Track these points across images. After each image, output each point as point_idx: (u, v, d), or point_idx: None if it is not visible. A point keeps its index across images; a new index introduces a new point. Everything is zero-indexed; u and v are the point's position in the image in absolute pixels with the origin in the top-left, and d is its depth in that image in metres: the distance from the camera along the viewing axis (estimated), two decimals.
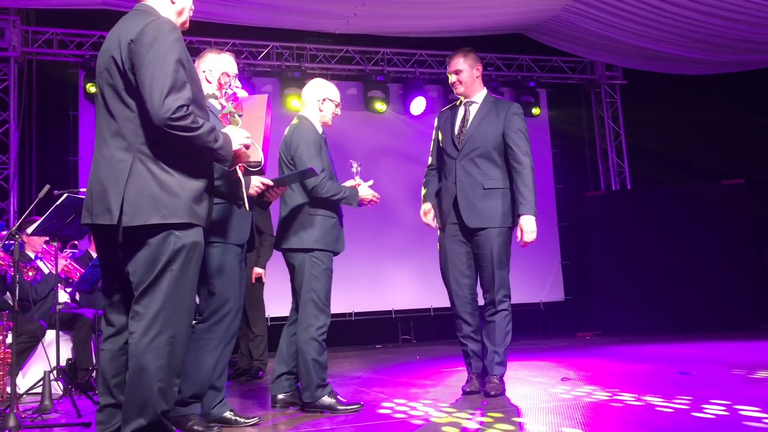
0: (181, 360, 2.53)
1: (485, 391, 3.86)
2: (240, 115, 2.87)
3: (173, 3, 2.65)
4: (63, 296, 5.63)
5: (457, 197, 3.99)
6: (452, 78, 4.12)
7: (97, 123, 2.56)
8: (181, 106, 2.38)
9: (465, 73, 4.09)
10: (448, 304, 4.15)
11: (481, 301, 4.05)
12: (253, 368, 5.78)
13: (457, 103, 4.23)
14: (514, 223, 3.99)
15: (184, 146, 2.46)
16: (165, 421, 2.46)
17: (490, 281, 3.94)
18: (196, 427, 3.18)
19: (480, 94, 4.14)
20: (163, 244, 2.43)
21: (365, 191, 3.89)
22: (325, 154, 3.78)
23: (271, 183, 3.38)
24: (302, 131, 3.75)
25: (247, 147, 2.77)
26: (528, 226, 3.91)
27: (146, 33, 2.42)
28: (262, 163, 2.95)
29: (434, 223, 4.16)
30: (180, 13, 2.69)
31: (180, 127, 2.39)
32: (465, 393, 3.95)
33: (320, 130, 3.84)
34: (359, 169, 3.88)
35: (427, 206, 4.17)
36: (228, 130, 2.70)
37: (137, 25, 2.46)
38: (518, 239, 3.95)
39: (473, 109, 4.11)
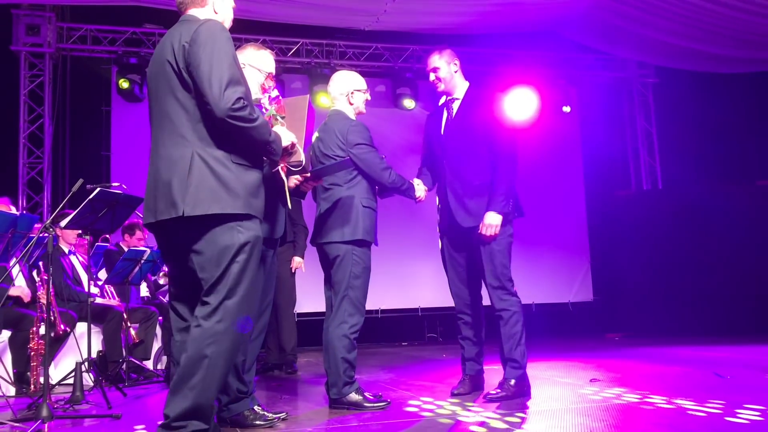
0: (239, 351, 2.59)
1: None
2: (282, 117, 2.91)
3: (216, 13, 2.76)
4: (93, 291, 5.71)
5: (448, 200, 3.95)
6: (431, 77, 4.09)
7: (154, 129, 2.65)
8: (240, 98, 2.48)
9: (442, 69, 4.04)
10: None
11: (487, 301, 3.98)
12: (287, 361, 5.81)
13: (441, 102, 4.18)
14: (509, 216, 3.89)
15: (241, 138, 2.55)
16: (209, 410, 2.50)
17: (491, 281, 3.86)
18: (257, 422, 3.19)
19: (461, 89, 4.08)
20: (229, 239, 2.52)
21: (417, 181, 4.01)
22: None
23: (308, 175, 3.41)
24: (359, 128, 3.76)
25: (292, 146, 2.81)
26: (489, 220, 3.78)
27: (200, 33, 2.53)
28: (304, 163, 2.99)
29: (423, 192, 4.04)
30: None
31: (240, 118, 2.48)
32: (453, 395, 3.90)
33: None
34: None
35: (417, 180, 4.07)
36: (275, 129, 2.76)
37: (189, 29, 2.57)
38: (479, 230, 3.81)
39: (455, 106, 4.06)
